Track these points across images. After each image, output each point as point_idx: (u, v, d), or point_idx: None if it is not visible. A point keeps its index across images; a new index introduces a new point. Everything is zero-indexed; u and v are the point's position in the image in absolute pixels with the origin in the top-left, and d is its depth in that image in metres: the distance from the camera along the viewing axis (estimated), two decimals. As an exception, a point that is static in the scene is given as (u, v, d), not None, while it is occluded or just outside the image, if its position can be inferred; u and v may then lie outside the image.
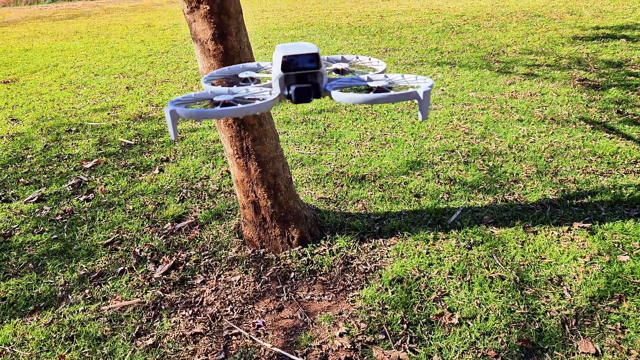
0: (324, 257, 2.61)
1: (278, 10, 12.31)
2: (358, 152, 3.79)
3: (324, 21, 9.89)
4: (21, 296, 2.51)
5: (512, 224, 2.76)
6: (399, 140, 3.93)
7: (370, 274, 2.48)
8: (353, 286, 2.42)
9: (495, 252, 2.56)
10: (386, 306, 2.26)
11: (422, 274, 2.43)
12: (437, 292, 2.31)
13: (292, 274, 2.52)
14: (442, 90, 5.01)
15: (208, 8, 2.35)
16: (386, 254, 2.61)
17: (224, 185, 3.44)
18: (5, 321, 2.34)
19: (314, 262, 2.58)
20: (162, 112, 5.09)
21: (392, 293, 2.33)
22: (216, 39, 2.39)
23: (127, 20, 13.04)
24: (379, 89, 1.38)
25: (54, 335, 2.23)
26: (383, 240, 2.72)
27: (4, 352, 2.15)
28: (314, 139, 4.07)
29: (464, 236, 2.69)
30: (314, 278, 2.49)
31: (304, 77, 1.37)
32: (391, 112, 4.54)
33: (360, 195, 3.16)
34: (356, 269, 2.52)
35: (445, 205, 2.99)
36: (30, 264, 2.75)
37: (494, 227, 2.75)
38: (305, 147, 3.94)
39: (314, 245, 2.70)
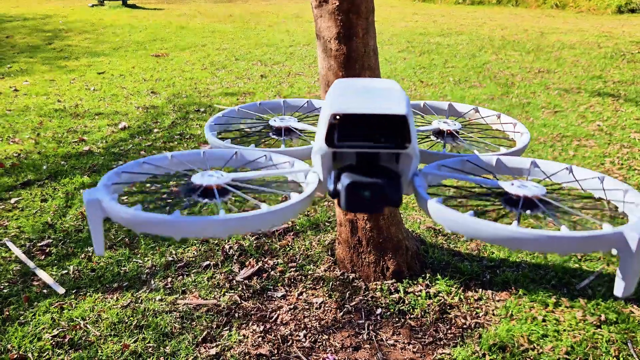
0: (419, 298, 2.28)
1: (429, 15, 11.88)
2: (483, 181, 3.37)
3: (476, 31, 9.31)
4: (109, 271, 2.51)
5: (661, 308, 2.22)
6: (534, 175, 3.43)
7: (469, 330, 2.11)
8: (445, 341, 2.07)
9: (632, 338, 2.05)
10: (480, 377, 1.89)
11: (532, 346, 2.02)
12: (546, 375, 1.89)
13: (379, 310, 2.24)
14: (599, 125, 4.34)
15: (337, 4, 2.13)
16: (492, 311, 2.22)
17: (329, 193, 3.23)
18: (88, 293, 2.34)
19: (406, 301, 2.27)
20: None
21: (490, 362, 1.95)
22: (340, 39, 2.17)
23: (280, 9, 13.44)
24: (530, 207, 0.70)
25: (126, 320, 2.17)
26: (492, 293, 2.32)
27: (78, 327, 2.14)
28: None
29: (594, 309, 2.20)
30: (402, 321, 2.18)
31: (373, 160, 0.71)
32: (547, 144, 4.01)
33: (475, 233, 2.77)
34: (453, 321, 2.17)
35: (577, 266, 2.50)
36: (126, 239, 2.77)
37: (635, 306, 2.23)
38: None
39: (410, 281, 2.38)
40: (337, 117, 0.66)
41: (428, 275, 2.41)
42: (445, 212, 0.67)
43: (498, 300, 2.28)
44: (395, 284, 2.36)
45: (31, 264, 2.54)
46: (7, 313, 2.20)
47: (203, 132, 4.29)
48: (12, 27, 10.08)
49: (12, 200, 3.15)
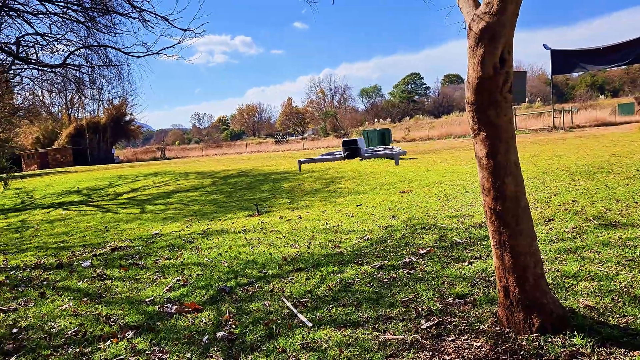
0: (555, 347, 2.92)
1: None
2: (662, 279, 3.69)
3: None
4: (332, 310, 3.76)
5: None
6: None
7: (591, 371, 2.68)
8: (568, 375, 2.68)
9: None
10: (585, 395, 2.47)
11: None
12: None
13: (522, 352, 2.95)
14: None
15: (485, 134, 3.24)
16: (619, 361, 2.72)
17: (510, 282, 3.99)
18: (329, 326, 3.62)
19: (544, 348, 2.93)
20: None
21: (598, 387, 2.50)
22: (488, 156, 3.24)
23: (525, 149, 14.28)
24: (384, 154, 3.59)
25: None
26: (625, 351, 2.81)
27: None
28: (623, 261, 4.12)
29: None
30: (538, 360, 2.85)
31: (355, 146, 3.64)
32: None
33: (630, 313, 3.22)
34: (580, 364, 2.75)
35: None
36: (354, 302, 4.02)
37: None
38: (607, 266, 4.07)
39: (552, 335, 3.03)
40: (343, 140, 4.28)
41: (568, 332, 3.02)
42: (365, 152, 3.15)
43: (628, 356, 2.77)
44: (539, 336, 3.04)
45: (295, 310, 3.98)
46: (276, 329, 3.61)
47: (425, 241, 5.47)
48: (303, 178, 13.24)
49: (289, 278, 4.77)
